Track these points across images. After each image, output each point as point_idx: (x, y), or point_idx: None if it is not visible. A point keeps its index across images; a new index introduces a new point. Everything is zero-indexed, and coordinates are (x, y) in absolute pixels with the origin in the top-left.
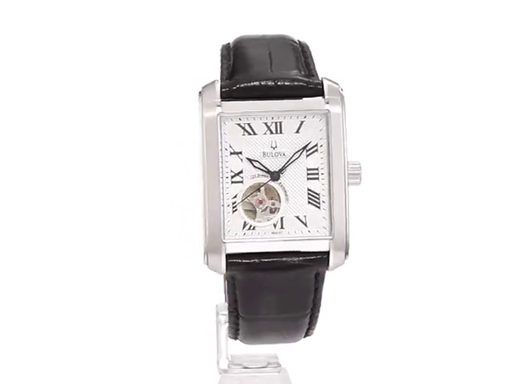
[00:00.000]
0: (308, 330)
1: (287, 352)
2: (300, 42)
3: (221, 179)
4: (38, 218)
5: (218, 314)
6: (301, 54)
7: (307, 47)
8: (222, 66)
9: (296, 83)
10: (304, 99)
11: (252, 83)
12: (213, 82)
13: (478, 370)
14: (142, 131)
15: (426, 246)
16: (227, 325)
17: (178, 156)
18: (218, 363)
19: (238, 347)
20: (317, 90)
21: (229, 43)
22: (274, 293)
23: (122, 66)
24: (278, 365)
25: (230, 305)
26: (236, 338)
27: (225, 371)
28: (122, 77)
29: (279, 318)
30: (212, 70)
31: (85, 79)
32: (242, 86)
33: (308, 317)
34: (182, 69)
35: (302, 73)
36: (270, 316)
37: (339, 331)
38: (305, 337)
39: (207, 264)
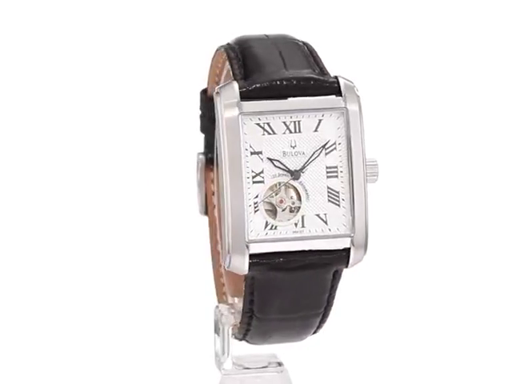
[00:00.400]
0: (317, 327)
1: (287, 352)
2: (303, 42)
3: (243, 179)
4: (33, 216)
5: (222, 315)
6: (308, 53)
7: (311, 47)
8: (233, 67)
9: (313, 82)
10: (321, 97)
11: (269, 83)
12: (230, 83)
13: (483, 371)
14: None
15: (432, 243)
16: (231, 326)
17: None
18: (221, 364)
19: (237, 347)
20: (333, 88)
21: (229, 44)
22: (292, 292)
23: (110, 65)
24: (279, 365)
25: (245, 305)
26: (243, 339)
27: (228, 372)
28: (109, 76)
29: (294, 317)
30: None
31: (79, 77)
32: (260, 85)
33: (321, 315)
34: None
35: (315, 71)
36: (286, 315)
37: (340, 331)
38: (311, 334)
39: (229, 265)
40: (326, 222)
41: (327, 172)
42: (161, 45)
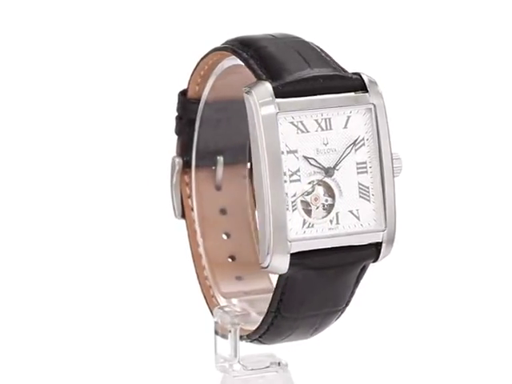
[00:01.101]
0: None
1: (287, 352)
2: (310, 41)
3: (283, 179)
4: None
5: (232, 317)
6: (320, 51)
7: (318, 45)
8: (252, 68)
9: (339, 79)
10: (349, 94)
11: (299, 81)
12: (259, 82)
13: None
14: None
15: (441, 238)
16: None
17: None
18: (231, 366)
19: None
20: (359, 85)
21: (232, 45)
22: (323, 289)
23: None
24: (280, 364)
25: (272, 305)
26: (255, 340)
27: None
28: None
29: (318, 314)
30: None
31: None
32: (291, 84)
33: (340, 311)
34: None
35: (336, 69)
36: (312, 313)
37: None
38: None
39: (268, 265)
40: (358, 218)
41: (357, 168)
42: (133, 47)
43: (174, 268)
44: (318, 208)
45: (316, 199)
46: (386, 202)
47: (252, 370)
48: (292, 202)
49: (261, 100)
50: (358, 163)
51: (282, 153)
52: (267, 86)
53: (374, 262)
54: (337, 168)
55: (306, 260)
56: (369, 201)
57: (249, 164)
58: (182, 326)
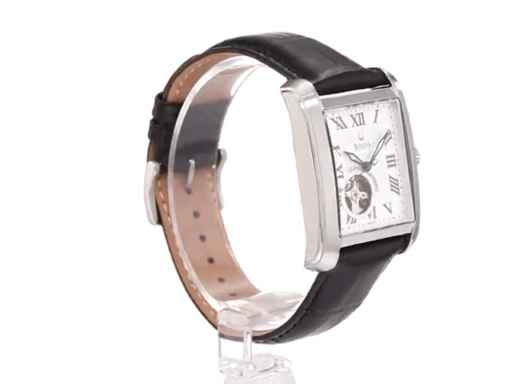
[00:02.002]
0: None
1: (289, 352)
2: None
3: (333, 175)
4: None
5: (245, 319)
6: (332, 48)
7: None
8: (277, 67)
9: (365, 74)
10: (376, 89)
11: (332, 78)
12: (296, 80)
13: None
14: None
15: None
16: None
17: None
18: (246, 367)
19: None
20: (381, 79)
21: (238, 46)
22: (357, 284)
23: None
24: (284, 364)
25: (306, 302)
26: (273, 340)
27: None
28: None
29: (345, 308)
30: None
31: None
32: (325, 81)
33: (360, 305)
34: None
35: (356, 64)
36: (341, 307)
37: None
38: None
39: (316, 263)
40: (390, 211)
41: (388, 161)
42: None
43: (151, 273)
44: (356, 203)
45: (355, 194)
46: (415, 194)
47: (262, 370)
48: (338, 199)
49: (304, 96)
50: (387, 156)
51: (331, 148)
52: (306, 84)
53: (400, 253)
54: (373, 162)
55: (350, 255)
56: (398, 193)
57: (214, 166)
58: (170, 331)
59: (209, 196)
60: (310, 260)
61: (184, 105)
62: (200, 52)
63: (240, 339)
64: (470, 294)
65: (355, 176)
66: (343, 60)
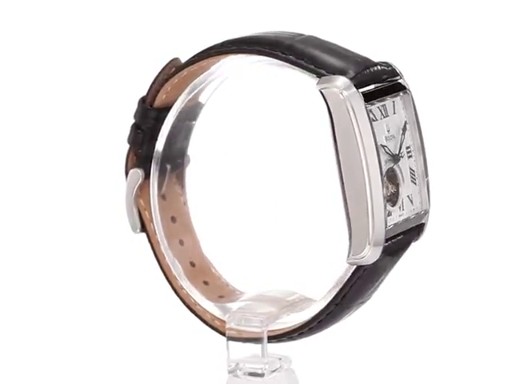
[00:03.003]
0: None
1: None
2: None
3: (379, 169)
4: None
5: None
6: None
7: None
8: (301, 65)
9: (381, 67)
10: (391, 81)
11: (360, 73)
12: (332, 77)
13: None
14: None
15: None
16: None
17: None
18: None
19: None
20: (392, 72)
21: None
22: (384, 275)
23: None
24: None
25: (338, 296)
26: (290, 338)
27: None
28: None
29: (364, 300)
30: None
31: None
32: (356, 76)
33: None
34: None
35: (368, 59)
36: (363, 300)
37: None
38: None
39: (363, 257)
40: (412, 202)
41: (407, 152)
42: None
43: (142, 280)
44: (388, 195)
45: (387, 187)
46: (429, 185)
47: (273, 370)
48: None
49: (347, 91)
50: (406, 148)
51: (376, 141)
52: (344, 79)
53: (415, 241)
54: (401, 154)
55: (387, 247)
56: (415, 184)
57: (180, 170)
58: (166, 335)
59: (179, 200)
60: (356, 255)
61: (173, 109)
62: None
63: (253, 340)
64: (471, 292)
65: (388, 169)
66: (357, 55)
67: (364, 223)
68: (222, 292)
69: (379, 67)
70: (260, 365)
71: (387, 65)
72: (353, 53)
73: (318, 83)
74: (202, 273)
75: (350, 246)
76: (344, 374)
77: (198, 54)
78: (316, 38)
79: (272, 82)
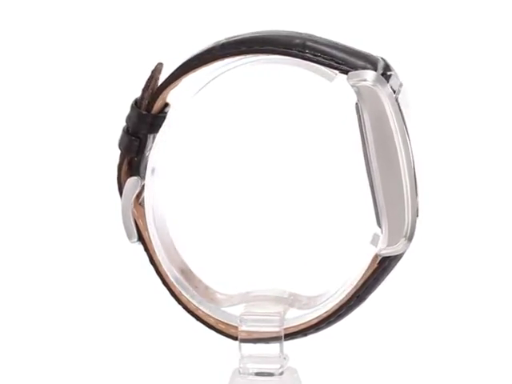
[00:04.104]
0: None
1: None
2: None
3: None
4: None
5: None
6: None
7: None
8: (321, 62)
9: (384, 62)
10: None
11: (378, 68)
12: (363, 70)
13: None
14: None
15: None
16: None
17: None
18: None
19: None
20: (389, 67)
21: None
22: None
23: None
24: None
25: (361, 288)
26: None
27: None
28: None
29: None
30: None
31: None
32: (378, 69)
33: None
34: None
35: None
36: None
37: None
38: None
39: (397, 249)
40: None
41: None
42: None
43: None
44: None
45: None
46: None
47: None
48: None
49: (380, 84)
50: None
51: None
52: (373, 73)
53: None
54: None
55: None
56: None
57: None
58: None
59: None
60: (390, 247)
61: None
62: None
63: (270, 340)
64: (470, 292)
65: None
66: (360, 51)
67: (401, 216)
68: (212, 296)
69: (383, 62)
70: (275, 364)
71: (383, 59)
72: (355, 48)
73: (348, 78)
74: (190, 278)
75: (386, 238)
76: (343, 373)
77: (198, 56)
78: (317, 36)
79: (272, 81)
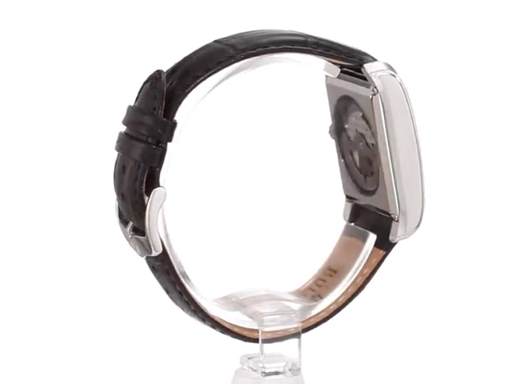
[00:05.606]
0: None
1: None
2: None
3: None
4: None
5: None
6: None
7: None
8: (334, 58)
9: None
10: None
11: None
12: (376, 62)
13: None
14: None
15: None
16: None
17: None
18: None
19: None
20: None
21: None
22: None
23: None
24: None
25: (370, 276)
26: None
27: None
28: None
29: None
30: None
31: None
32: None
33: None
34: None
35: None
36: None
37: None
38: None
39: (410, 234)
40: None
41: None
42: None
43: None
44: None
45: None
46: None
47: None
48: None
49: (393, 72)
50: None
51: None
52: (385, 64)
53: None
54: None
55: None
56: None
57: None
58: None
59: None
60: (408, 234)
61: None
62: None
63: (291, 337)
64: (470, 292)
65: None
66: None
67: (418, 204)
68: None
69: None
70: (293, 362)
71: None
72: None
73: (366, 69)
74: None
75: (404, 225)
76: (343, 373)
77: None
78: (313, 35)
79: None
